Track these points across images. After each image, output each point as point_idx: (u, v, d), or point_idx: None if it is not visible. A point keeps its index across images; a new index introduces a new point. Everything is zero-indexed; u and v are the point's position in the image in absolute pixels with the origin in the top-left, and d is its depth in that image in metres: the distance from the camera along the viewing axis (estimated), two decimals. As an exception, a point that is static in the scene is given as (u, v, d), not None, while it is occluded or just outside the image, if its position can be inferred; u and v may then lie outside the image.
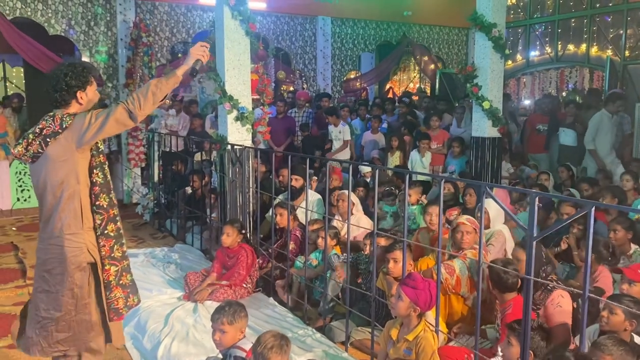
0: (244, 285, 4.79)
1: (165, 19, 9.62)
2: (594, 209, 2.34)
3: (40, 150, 2.63)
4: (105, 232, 2.72)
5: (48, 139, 2.60)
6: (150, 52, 8.91)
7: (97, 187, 2.71)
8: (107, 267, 2.73)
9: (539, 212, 5.15)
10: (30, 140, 2.64)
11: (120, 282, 2.76)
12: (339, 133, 8.24)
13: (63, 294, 2.65)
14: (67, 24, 8.77)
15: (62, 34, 8.80)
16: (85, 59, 9.11)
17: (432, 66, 12.28)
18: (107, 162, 2.82)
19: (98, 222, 2.71)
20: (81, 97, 2.71)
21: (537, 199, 2.55)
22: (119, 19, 9.10)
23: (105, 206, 2.72)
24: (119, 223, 2.78)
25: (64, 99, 2.70)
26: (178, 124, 8.72)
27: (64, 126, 2.60)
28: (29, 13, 8.49)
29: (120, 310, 2.76)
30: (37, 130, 2.63)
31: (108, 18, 9.08)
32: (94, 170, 2.71)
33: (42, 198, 2.70)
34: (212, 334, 3.02)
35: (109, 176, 2.77)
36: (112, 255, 2.73)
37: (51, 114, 2.68)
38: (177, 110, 8.93)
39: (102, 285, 2.73)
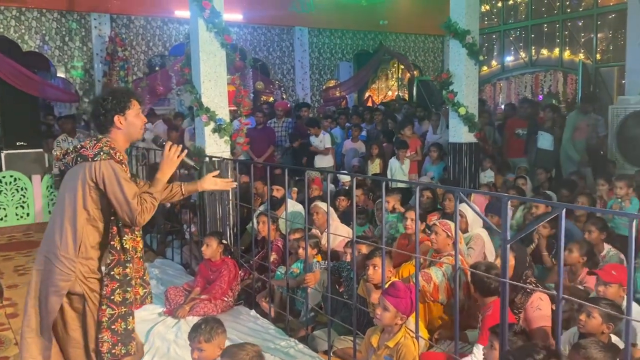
0: (225, 299, 4.75)
1: (141, 32, 9.60)
2: (564, 210, 2.37)
3: (71, 164, 2.68)
4: (112, 273, 2.68)
5: (79, 159, 2.64)
6: (126, 66, 8.88)
7: (115, 228, 2.70)
8: (103, 307, 2.68)
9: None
10: (69, 151, 2.71)
11: (112, 326, 2.67)
12: (320, 142, 8.26)
13: (35, 312, 2.62)
14: (41, 40, 8.70)
15: (37, 50, 8.72)
16: (60, 74, 9.05)
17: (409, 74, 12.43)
18: None
19: (108, 261, 2.70)
20: (120, 122, 2.73)
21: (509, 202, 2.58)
22: (94, 33, 9.06)
23: (118, 249, 2.70)
24: (127, 269, 2.70)
25: (103, 124, 2.74)
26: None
27: (95, 159, 2.61)
28: (1, 30, 8.42)
29: (103, 355, 2.69)
30: (78, 146, 2.68)
31: (83, 33, 9.04)
32: (115, 213, 2.68)
33: (55, 207, 2.73)
34: (190, 353, 2.98)
35: (122, 222, 2.71)
36: (112, 297, 2.67)
37: (99, 136, 2.74)
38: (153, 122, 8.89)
39: (93, 322, 2.69)
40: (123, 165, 2.69)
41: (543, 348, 2.31)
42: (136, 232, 2.78)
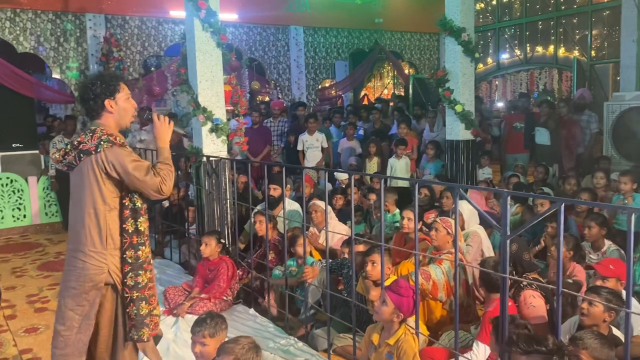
0: (224, 298, 4.75)
1: (137, 33, 9.57)
2: (563, 205, 2.38)
3: (74, 162, 2.66)
4: (124, 256, 2.69)
5: (82, 155, 2.63)
6: (122, 66, 8.85)
7: (127, 211, 2.70)
8: None
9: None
10: (67, 150, 2.68)
11: (127, 310, 2.71)
12: (316, 141, 8.22)
13: (72, 309, 2.64)
14: (36, 41, 8.66)
15: (32, 52, 8.68)
16: (56, 75, 9.01)
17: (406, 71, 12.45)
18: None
19: (120, 244, 2.71)
20: (110, 106, 2.72)
21: (508, 198, 2.59)
22: (89, 34, 9.02)
23: (130, 231, 2.69)
24: (140, 252, 2.70)
25: (93, 109, 2.71)
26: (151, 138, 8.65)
27: (99, 150, 2.60)
28: (-4, 31, 8.38)
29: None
30: (75, 143, 2.66)
31: (78, 34, 9.00)
32: (128, 195, 2.71)
33: (72, 210, 2.72)
34: (191, 346, 2.98)
35: (139, 203, 2.72)
36: (124, 281, 2.69)
37: (92, 127, 2.69)
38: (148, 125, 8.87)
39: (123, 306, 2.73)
40: (126, 147, 2.71)
41: (547, 339, 2.37)
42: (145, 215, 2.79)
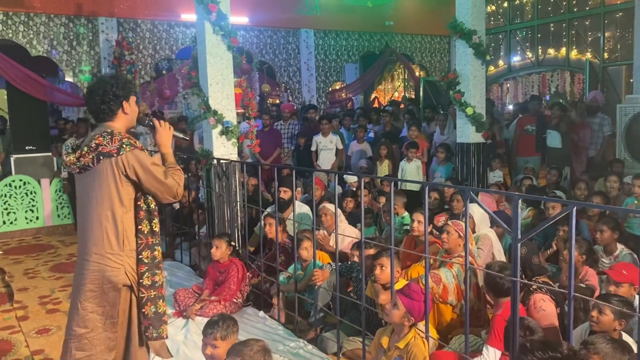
0: (234, 300, 4.76)
1: (148, 36, 9.65)
2: (575, 208, 2.36)
3: (91, 164, 2.64)
4: (140, 257, 2.71)
5: (101, 157, 2.62)
6: (133, 69, 8.93)
7: (142, 212, 2.73)
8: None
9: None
10: (83, 153, 2.65)
11: (142, 310, 2.72)
12: (330, 143, 8.21)
13: (92, 310, 2.65)
14: (49, 45, 8.76)
15: (45, 55, 8.78)
16: (68, 79, 9.11)
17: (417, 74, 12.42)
18: None
19: (135, 245, 2.72)
20: (126, 108, 2.75)
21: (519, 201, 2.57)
22: (101, 37, 9.11)
23: (145, 232, 2.72)
24: (156, 252, 2.74)
25: (112, 110, 2.72)
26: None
27: (121, 153, 2.61)
28: (10, 35, 8.48)
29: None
30: (93, 145, 2.62)
31: (90, 37, 9.09)
32: (142, 197, 2.73)
33: (84, 212, 2.71)
34: (202, 348, 2.99)
35: (153, 205, 2.76)
36: (140, 281, 2.71)
37: (108, 130, 2.67)
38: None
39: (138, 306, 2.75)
40: (145, 151, 2.74)
41: (562, 345, 2.36)
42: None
